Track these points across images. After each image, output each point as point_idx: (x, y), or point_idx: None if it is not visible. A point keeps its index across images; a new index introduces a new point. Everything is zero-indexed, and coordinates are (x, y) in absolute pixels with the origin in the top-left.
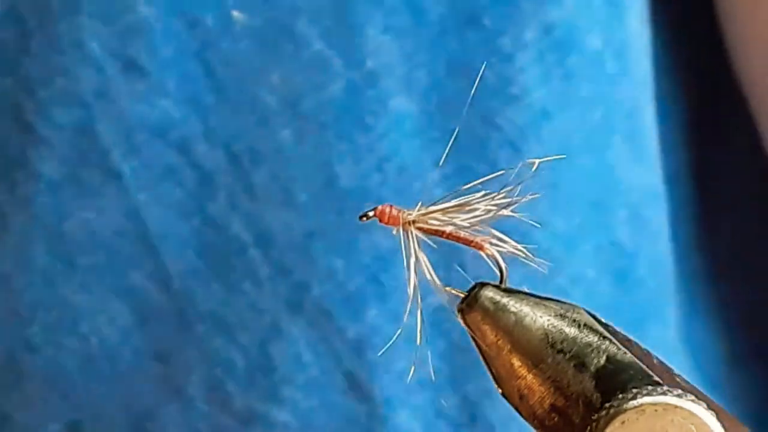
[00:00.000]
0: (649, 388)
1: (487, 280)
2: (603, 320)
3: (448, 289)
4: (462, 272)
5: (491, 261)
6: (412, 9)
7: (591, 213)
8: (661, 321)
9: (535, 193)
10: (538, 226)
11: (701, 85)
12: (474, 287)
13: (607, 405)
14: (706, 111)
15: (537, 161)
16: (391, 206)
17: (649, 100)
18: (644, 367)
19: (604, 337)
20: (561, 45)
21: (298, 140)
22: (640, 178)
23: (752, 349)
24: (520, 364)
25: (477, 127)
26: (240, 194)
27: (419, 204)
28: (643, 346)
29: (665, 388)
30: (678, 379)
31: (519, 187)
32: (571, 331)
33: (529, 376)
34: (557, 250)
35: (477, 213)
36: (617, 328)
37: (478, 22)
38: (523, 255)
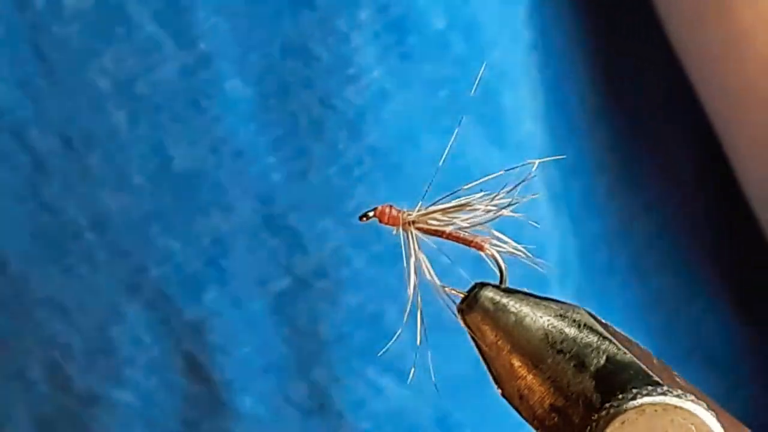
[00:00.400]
0: (649, 388)
1: (487, 280)
2: (603, 320)
3: (448, 289)
4: (462, 272)
5: (491, 261)
6: None
7: (436, 197)
8: None
9: (536, 193)
10: (538, 226)
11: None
12: (474, 287)
13: (607, 405)
14: (611, 96)
15: (537, 161)
16: (391, 206)
17: (512, 83)
18: (644, 367)
19: (604, 337)
20: (398, 25)
21: (132, 123)
22: (501, 164)
23: (674, 349)
24: (520, 364)
25: (314, 108)
26: (75, 178)
27: (419, 204)
28: (643, 346)
29: (665, 388)
30: (678, 379)
31: (519, 187)
32: (571, 331)
33: (529, 377)
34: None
35: (477, 213)
36: (617, 329)
37: (312, 3)
38: (523, 255)
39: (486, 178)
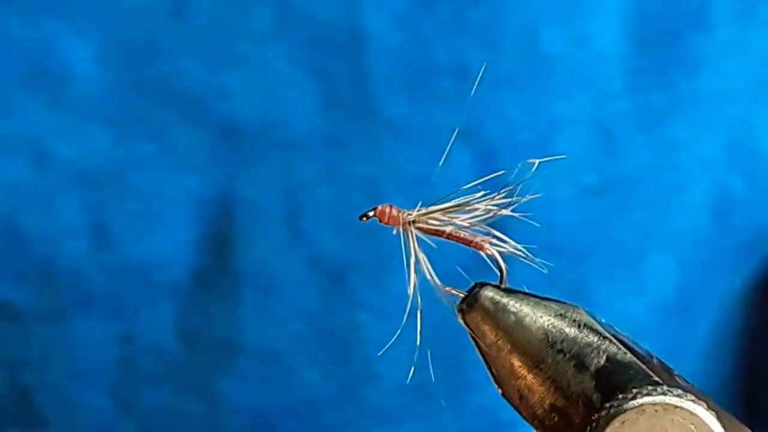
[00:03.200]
0: (649, 388)
1: (486, 280)
2: (603, 320)
3: (448, 289)
4: (462, 272)
5: (491, 261)
6: None
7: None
8: None
9: (536, 193)
10: (538, 225)
11: None
12: (474, 287)
13: (607, 405)
14: None
15: (537, 161)
16: (391, 206)
17: None
18: (644, 367)
19: (604, 337)
20: None
21: None
22: None
23: None
24: (520, 364)
25: None
26: None
27: (419, 204)
28: (643, 346)
29: (665, 388)
30: (678, 380)
31: (519, 187)
32: (571, 331)
33: (529, 376)
34: None
35: (477, 213)
36: (617, 329)
37: None
38: (523, 255)
39: (486, 177)
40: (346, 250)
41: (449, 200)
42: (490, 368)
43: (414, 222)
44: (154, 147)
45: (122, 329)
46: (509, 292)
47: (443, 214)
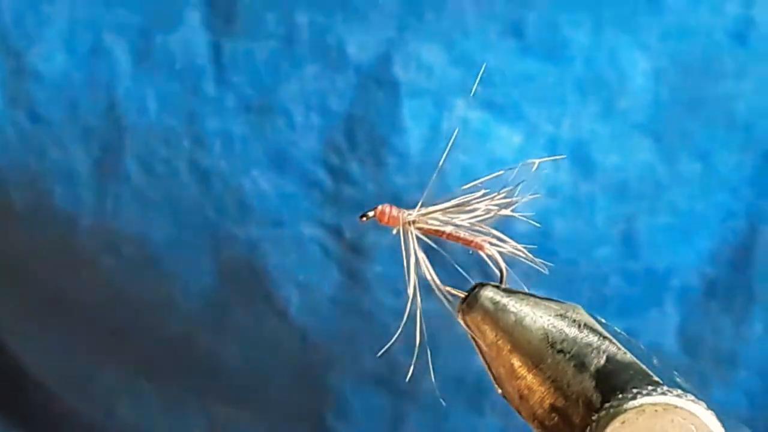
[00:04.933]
0: (649, 388)
1: (486, 281)
2: (603, 320)
3: (448, 289)
4: (462, 272)
5: (491, 261)
6: None
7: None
8: None
9: (536, 193)
10: (538, 225)
11: None
12: (474, 287)
13: (607, 405)
14: None
15: (537, 161)
16: (391, 206)
17: None
18: (644, 367)
19: (604, 337)
20: None
21: None
22: None
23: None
24: (520, 364)
25: None
26: None
27: (419, 204)
28: (643, 346)
29: (665, 388)
30: (678, 380)
31: (519, 187)
32: (571, 331)
33: (529, 377)
34: None
35: (477, 213)
36: (617, 328)
37: None
38: (523, 255)
39: (486, 177)
40: None
41: (449, 200)
42: (490, 368)
43: (414, 222)
44: (698, 166)
45: (625, 327)
46: (509, 292)
47: (443, 214)
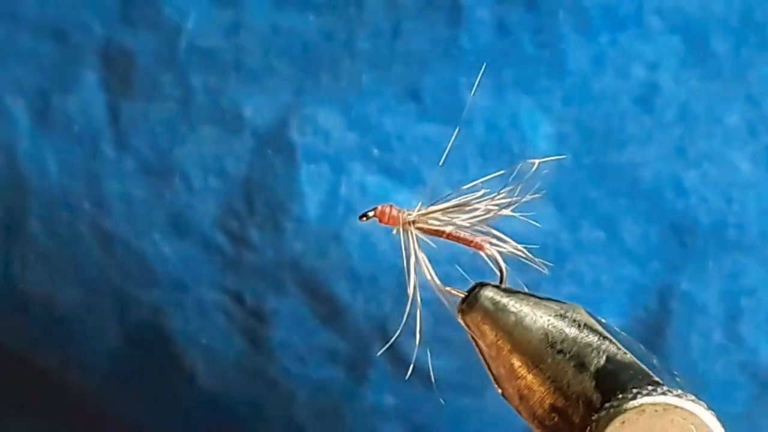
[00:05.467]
0: (649, 388)
1: (487, 281)
2: (603, 320)
3: (448, 289)
4: (462, 272)
5: (491, 261)
6: None
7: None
8: None
9: (535, 193)
10: (538, 225)
11: None
12: (474, 287)
13: (607, 405)
14: None
15: (537, 161)
16: (391, 206)
17: None
18: (644, 367)
19: (604, 337)
20: None
21: None
22: None
23: None
24: (520, 364)
25: None
26: None
27: (419, 204)
28: (643, 346)
29: (665, 388)
30: (678, 380)
31: (519, 187)
32: (571, 331)
33: (530, 377)
34: None
35: (477, 213)
36: (617, 329)
37: None
38: (523, 255)
39: (486, 177)
40: None
41: (449, 200)
42: (490, 368)
43: (414, 222)
44: (601, 235)
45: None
46: (509, 292)
47: (443, 214)
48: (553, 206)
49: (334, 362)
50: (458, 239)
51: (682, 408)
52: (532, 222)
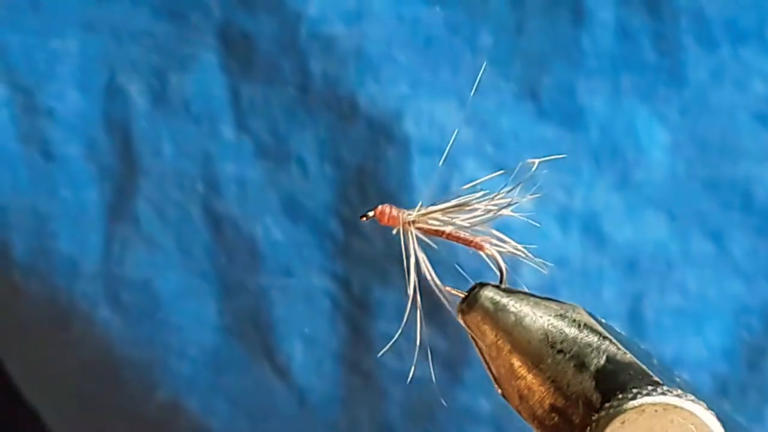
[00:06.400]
0: (649, 388)
1: (486, 281)
2: (603, 320)
3: (448, 289)
4: (462, 272)
5: (491, 261)
6: None
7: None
8: None
9: (536, 193)
10: (538, 225)
11: None
12: (474, 287)
13: (607, 405)
14: None
15: (537, 161)
16: (390, 206)
17: None
18: (644, 367)
19: (604, 337)
20: None
21: None
22: None
23: None
24: (520, 364)
25: None
26: None
27: (419, 204)
28: (643, 346)
29: (665, 388)
30: (678, 380)
31: (519, 187)
32: (571, 331)
33: (529, 377)
34: None
35: (477, 213)
36: (617, 329)
37: None
38: (523, 255)
39: (486, 177)
40: None
41: (449, 200)
42: (490, 368)
43: (414, 222)
44: (711, 247)
45: None
46: (509, 292)
47: (443, 214)
48: (665, 215)
49: (434, 360)
50: (458, 239)
51: (682, 408)
52: (533, 222)
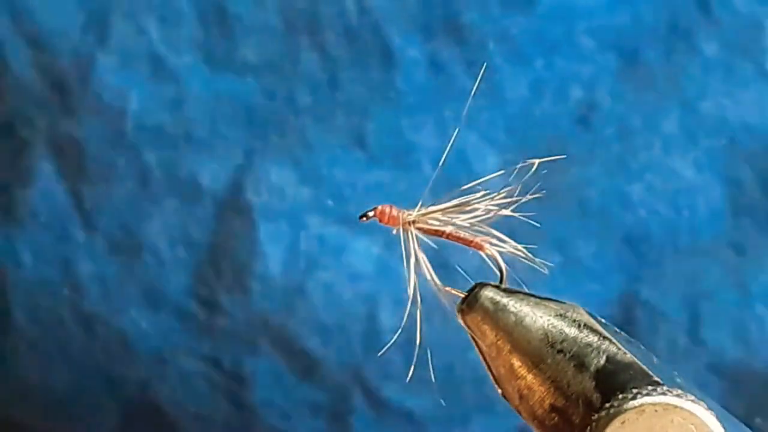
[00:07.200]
0: (649, 388)
1: (486, 281)
2: (603, 320)
3: (448, 289)
4: (462, 272)
5: (491, 261)
6: None
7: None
8: None
9: (536, 193)
10: (538, 225)
11: None
12: (474, 287)
13: (607, 405)
14: None
15: (537, 161)
16: (391, 206)
17: None
18: (644, 367)
19: (604, 337)
20: None
21: None
22: None
23: None
24: (520, 364)
25: None
26: None
27: (419, 204)
28: (643, 346)
29: (665, 388)
30: (678, 380)
31: (519, 187)
32: (571, 331)
33: (529, 377)
34: None
35: (477, 213)
36: (617, 329)
37: None
38: (523, 255)
39: (486, 177)
40: (747, 360)
41: (449, 200)
42: (490, 368)
43: (414, 222)
44: (558, 258)
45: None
46: (509, 292)
47: (443, 214)
48: (507, 234)
49: (317, 415)
50: (458, 239)
51: (682, 408)
52: (533, 222)
